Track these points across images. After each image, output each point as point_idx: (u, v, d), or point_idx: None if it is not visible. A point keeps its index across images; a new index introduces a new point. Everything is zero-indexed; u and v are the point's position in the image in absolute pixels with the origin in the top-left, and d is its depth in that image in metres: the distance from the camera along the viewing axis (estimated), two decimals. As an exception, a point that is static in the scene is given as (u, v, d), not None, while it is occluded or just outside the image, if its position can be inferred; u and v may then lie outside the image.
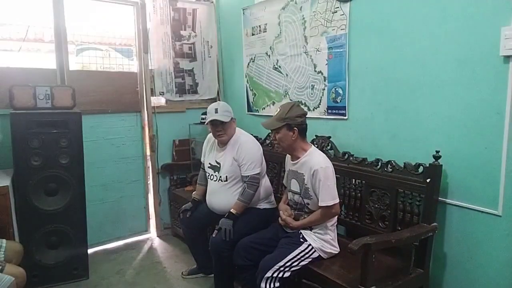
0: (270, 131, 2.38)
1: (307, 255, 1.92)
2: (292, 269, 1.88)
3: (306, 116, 2.08)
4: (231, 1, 3.45)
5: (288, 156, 2.18)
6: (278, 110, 2.05)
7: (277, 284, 1.86)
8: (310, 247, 1.94)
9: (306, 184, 1.99)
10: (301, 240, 1.97)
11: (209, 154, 2.52)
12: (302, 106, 2.69)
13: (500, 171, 1.69)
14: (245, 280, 2.11)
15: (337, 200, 1.95)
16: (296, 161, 2.06)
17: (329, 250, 1.97)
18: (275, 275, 1.85)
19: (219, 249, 2.18)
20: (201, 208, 2.53)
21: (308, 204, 2.02)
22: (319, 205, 1.93)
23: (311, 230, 2.00)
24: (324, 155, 2.08)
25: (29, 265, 2.22)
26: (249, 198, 2.26)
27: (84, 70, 3.17)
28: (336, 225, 2.07)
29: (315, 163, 1.95)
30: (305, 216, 2.03)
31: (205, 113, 2.63)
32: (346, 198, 2.26)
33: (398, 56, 2.07)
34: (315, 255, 1.94)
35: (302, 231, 2.01)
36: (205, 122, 2.40)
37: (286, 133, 1.99)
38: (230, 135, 2.37)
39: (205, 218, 2.49)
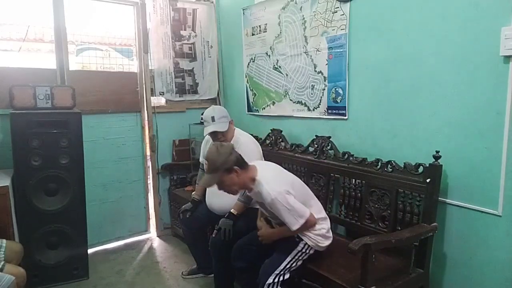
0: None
1: (304, 254, 1.91)
2: (292, 269, 1.88)
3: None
4: (231, 1, 3.45)
5: None
6: (206, 163, 1.84)
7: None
8: (306, 245, 1.92)
9: (271, 210, 1.87)
10: (297, 239, 1.94)
11: (208, 154, 2.52)
12: (302, 106, 2.71)
13: (500, 171, 1.69)
14: (245, 280, 2.11)
15: (307, 215, 1.80)
16: (251, 193, 1.94)
17: (325, 244, 1.94)
18: (276, 280, 1.84)
19: (219, 249, 2.18)
20: (201, 208, 2.53)
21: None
22: (291, 229, 1.82)
23: None
24: (269, 174, 1.87)
25: (29, 265, 2.22)
26: (250, 199, 2.25)
27: (84, 70, 3.17)
28: (328, 219, 2.00)
29: (266, 196, 1.77)
30: None
31: (205, 113, 2.62)
32: (346, 198, 2.26)
33: (398, 56, 2.07)
34: (312, 251, 1.93)
35: None
36: (204, 134, 2.39)
37: (230, 177, 1.81)
38: (230, 138, 2.38)
39: (205, 218, 2.49)
